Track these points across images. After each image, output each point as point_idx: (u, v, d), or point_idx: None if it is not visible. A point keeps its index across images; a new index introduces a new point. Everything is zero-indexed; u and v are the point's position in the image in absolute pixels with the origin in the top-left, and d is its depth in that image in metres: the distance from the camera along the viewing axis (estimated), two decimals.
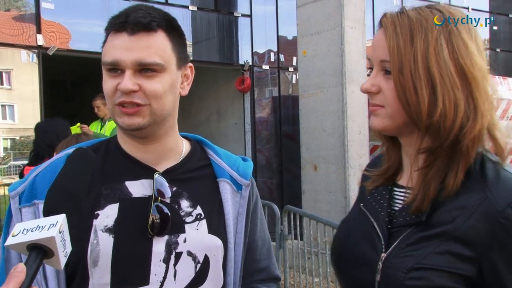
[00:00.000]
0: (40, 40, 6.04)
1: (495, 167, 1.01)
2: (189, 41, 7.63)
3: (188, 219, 1.21)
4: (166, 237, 1.17)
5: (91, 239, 1.13)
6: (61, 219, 0.91)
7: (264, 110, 8.37)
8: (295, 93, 7.99)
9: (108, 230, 1.14)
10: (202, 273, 1.20)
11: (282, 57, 8.38)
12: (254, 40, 8.16)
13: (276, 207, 5.24)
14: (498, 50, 11.58)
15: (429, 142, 1.04)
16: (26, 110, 6.27)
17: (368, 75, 1.13)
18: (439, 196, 1.01)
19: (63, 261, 0.92)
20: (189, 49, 7.65)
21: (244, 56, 8.08)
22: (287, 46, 8.38)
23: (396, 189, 1.15)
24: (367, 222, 1.13)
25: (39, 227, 0.90)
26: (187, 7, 7.50)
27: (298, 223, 5.19)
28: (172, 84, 1.18)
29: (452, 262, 0.96)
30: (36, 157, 3.67)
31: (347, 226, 1.22)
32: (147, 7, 1.17)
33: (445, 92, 0.99)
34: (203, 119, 9.00)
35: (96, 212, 1.15)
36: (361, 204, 1.20)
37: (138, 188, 1.19)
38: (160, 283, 1.16)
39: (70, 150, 1.25)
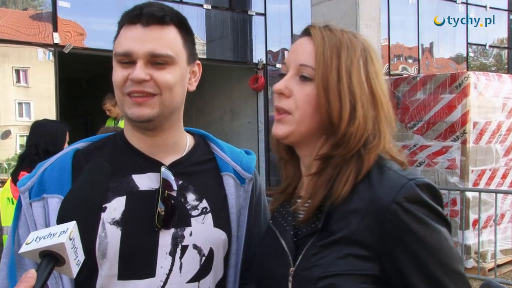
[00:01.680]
0: (57, 38, 6.11)
1: (380, 169, 1.04)
2: (203, 40, 7.65)
3: (194, 213, 1.22)
4: (172, 230, 1.18)
5: (99, 232, 1.14)
6: (71, 226, 0.91)
7: None
8: None
9: (116, 222, 1.16)
10: (206, 266, 1.22)
11: None
12: (268, 38, 8.15)
13: None
14: None
15: (328, 149, 1.07)
16: (42, 108, 6.35)
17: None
18: (327, 203, 1.04)
19: (75, 269, 0.92)
20: (203, 48, 7.67)
21: (258, 55, 8.07)
22: None
23: (299, 200, 1.14)
24: (275, 239, 1.14)
25: (51, 234, 0.90)
26: (201, 5, 7.51)
27: None
28: (181, 78, 1.20)
29: (355, 264, 0.98)
30: (24, 161, 3.29)
31: (261, 247, 1.22)
32: (160, 4, 1.20)
33: (362, 108, 1.05)
34: (217, 118, 9.02)
35: (104, 206, 1.16)
36: (270, 222, 1.21)
37: (145, 181, 1.21)
38: (166, 276, 1.17)
39: (77, 145, 1.28)
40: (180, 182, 1.23)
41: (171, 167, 1.23)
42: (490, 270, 5.61)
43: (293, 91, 1.08)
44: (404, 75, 8.05)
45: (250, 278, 1.24)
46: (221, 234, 1.24)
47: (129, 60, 1.14)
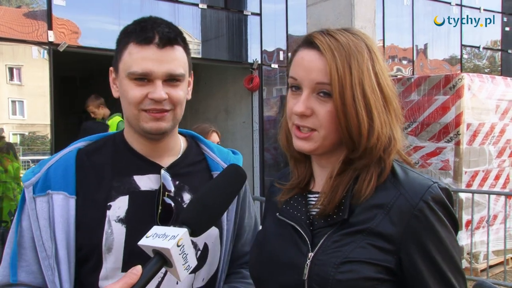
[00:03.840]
0: (51, 36, 6.08)
1: (402, 169, 1.12)
2: (198, 39, 7.64)
3: None
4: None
5: (105, 229, 1.24)
6: (182, 233, 0.95)
7: (272, 109, 8.35)
8: None
9: (121, 220, 1.26)
10: (201, 259, 1.33)
11: (291, 56, 8.35)
12: (264, 38, 8.14)
13: None
14: (510, 51, 11.46)
15: (357, 161, 1.10)
16: (36, 106, 6.31)
17: (294, 89, 1.13)
18: (353, 200, 1.09)
19: (183, 273, 0.95)
20: (198, 47, 7.66)
21: (253, 55, 8.07)
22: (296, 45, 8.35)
23: (310, 195, 1.20)
24: (287, 228, 1.17)
25: (165, 235, 0.95)
26: (197, 5, 7.50)
27: None
28: (186, 91, 1.34)
29: (374, 254, 1.04)
30: None
31: (265, 237, 1.24)
32: (165, 21, 1.29)
33: (379, 115, 1.08)
34: (211, 117, 9.00)
35: (108, 204, 1.27)
36: (277, 214, 1.22)
37: (145, 182, 1.31)
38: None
39: (78, 144, 1.36)
40: (177, 182, 1.34)
41: (168, 169, 1.34)
42: (482, 270, 5.65)
43: (315, 110, 1.09)
44: (398, 76, 8.08)
45: (249, 265, 1.29)
46: (214, 230, 1.35)
47: (145, 79, 1.24)
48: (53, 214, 1.23)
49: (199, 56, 7.65)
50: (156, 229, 0.98)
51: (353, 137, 1.07)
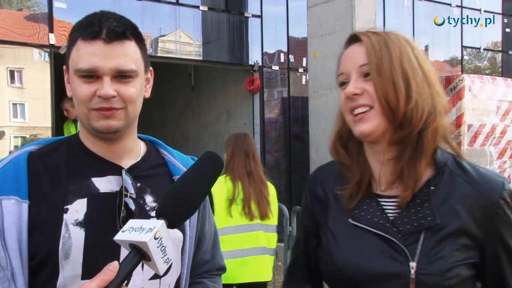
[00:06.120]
0: (52, 39, 6.09)
1: (469, 164, 1.20)
2: (199, 41, 7.64)
3: (152, 213, 1.27)
4: None
5: (62, 233, 1.16)
6: (158, 225, 0.92)
7: (273, 111, 8.35)
8: (304, 94, 7.96)
9: (79, 224, 1.19)
10: None
11: (292, 58, 8.36)
12: (264, 40, 8.14)
13: (285, 208, 5.22)
14: (510, 52, 11.46)
15: (399, 133, 1.15)
16: (37, 109, 6.32)
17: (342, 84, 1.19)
18: (421, 189, 1.15)
19: (162, 267, 0.93)
20: (199, 49, 7.67)
21: (254, 57, 8.07)
22: (297, 47, 8.36)
23: (381, 199, 1.21)
24: (366, 235, 1.17)
25: (141, 228, 0.92)
26: (197, 7, 7.51)
27: None
28: (141, 88, 1.27)
29: (466, 253, 1.11)
30: None
31: (338, 244, 1.22)
32: (116, 15, 1.23)
33: (417, 86, 1.14)
34: (213, 120, 9.00)
35: (65, 207, 1.19)
36: (349, 219, 1.21)
37: (105, 184, 1.25)
38: None
39: (29, 148, 1.28)
40: (138, 184, 1.29)
41: (129, 170, 1.29)
42: None
43: (364, 88, 1.16)
44: None
45: (325, 271, 1.26)
46: (178, 233, 1.31)
47: (93, 75, 1.18)
48: (2, 221, 1.13)
49: (200, 58, 7.65)
50: (132, 223, 0.94)
51: (391, 104, 1.12)
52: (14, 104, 6.36)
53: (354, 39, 1.21)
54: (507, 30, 11.31)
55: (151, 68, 1.34)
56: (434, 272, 1.08)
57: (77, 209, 1.20)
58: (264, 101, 8.16)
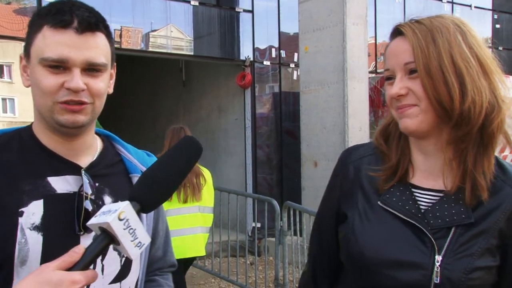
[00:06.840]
0: None
1: (510, 164, 1.16)
2: (190, 36, 7.61)
3: None
4: (93, 233, 1.15)
5: (18, 238, 1.09)
6: (122, 206, 0.89)
7: (265, 106, 8.36)
8: (296, 89, 7.97)
9: (36, 228, 1.11)
10: (126, 266, 1.23)
11: (283, 53, 8.36)
12: (256, 35, 8.13)
13: (276, 203, 5.24)
14: (500, 48, 11.54)
15: (456, 132, 1.10)
16: (27, 104, 6.23)
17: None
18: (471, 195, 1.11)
19: (132, 251, 0.90)
20: (190, 44, 7.64)
21: (245, 52, 8.06)
22: (288, 42, 8.35)
23: (415, 190, 1.17)
24: (393, 220, 1.15)
25: (109, 211, 0.89)
26: (188, 1, 7.47)
27: (298, 219, 5.20)
28: (108, 84, 1.21)
29: (493, 255, 1.10)
30: None
31: (363, 224, 1.19)
32: (86, 5, 1.16)
33: (472, 81, 1.07)
34: (204, 115, 8.99)
35: (20, 210, 1.10)
36: (379, 202, 1.18)
37: (62, 184, 1.17)
38: None
39: None
40: (97, 184, 1.21)
41: (87, 169, 1.21)
42: None
43: (409, 88, 1.11)
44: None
45: (348, 265, 1.22)
46: None
47: (60, 66, 1.10)
48: None
49: (191, 53, 7.62)
50: (104, 207, 0.92)
51: (444, 104, 1.07)
52: (4, 99, 6.30)
53: (397, 31, 1.15)
54: (497, 26, 11.39)
55: (115, 63, 1.28)
56: (456, 268, 1.07)
57: (33, 211, 1.11)
58: (256, 97, 8.16)
